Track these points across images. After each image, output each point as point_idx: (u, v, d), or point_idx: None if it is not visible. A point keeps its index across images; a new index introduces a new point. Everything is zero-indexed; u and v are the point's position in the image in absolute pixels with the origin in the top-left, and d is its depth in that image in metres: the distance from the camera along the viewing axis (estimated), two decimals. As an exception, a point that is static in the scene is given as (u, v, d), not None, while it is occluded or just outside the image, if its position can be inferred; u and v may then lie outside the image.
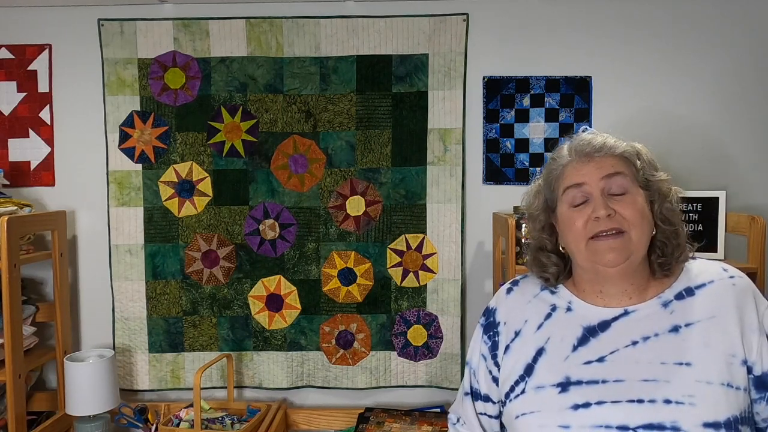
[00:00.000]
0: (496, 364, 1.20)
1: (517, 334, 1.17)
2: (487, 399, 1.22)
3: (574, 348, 1.09)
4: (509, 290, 1.26)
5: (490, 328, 1.23)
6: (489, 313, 1.26)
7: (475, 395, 1.24)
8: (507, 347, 1.18)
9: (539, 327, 1.15)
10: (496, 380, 1.20)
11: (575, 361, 1.08)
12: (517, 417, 1.10)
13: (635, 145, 1.14)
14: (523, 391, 1.11)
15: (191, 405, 1.96)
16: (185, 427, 1.86)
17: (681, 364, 1.02)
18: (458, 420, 1.28)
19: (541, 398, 1.08)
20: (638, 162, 1.11)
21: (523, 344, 1.16)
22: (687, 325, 1.05)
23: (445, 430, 1.85)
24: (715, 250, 1.80)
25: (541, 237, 1.20)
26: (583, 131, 1.17)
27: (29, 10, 2.07)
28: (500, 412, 1.21)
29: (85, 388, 1.85)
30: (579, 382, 1.06)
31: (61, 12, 2.07)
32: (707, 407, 0.97)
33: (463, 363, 1.99)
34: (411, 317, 2.08)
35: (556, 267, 1.18)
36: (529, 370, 1.12)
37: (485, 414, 1.24)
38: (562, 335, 1.12)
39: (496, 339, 1.21)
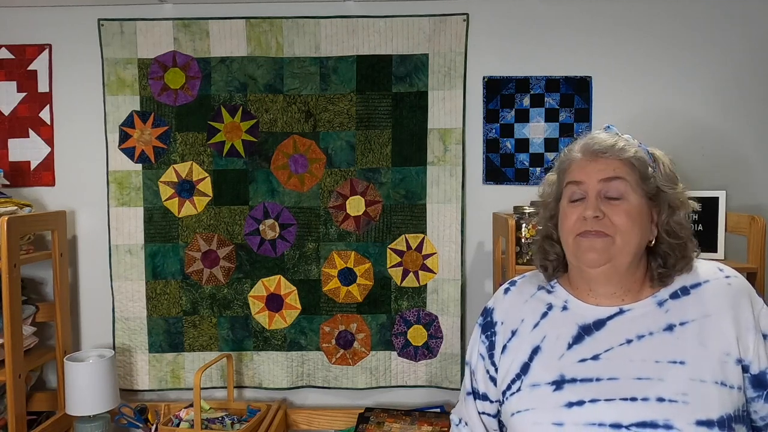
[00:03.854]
0: (493, 364, 1.21)
1: (513, 333, 1.18)
2: (485, 398, 1.23)
3: (569, 346, 1.10)
4: (507, 290, 1.27)
5: (488, 327, 1.24)
6: (487, 313, 1.26)
7: (475, 395, 1.25)
8: (504, 347, 1.19)
9: (535, 326, 1.16)
10: (493, 380, 1.21)
11: (570, 359, 1.09)
12: (513, 415, 1.11)
13: (656, 152, 1.12)
14: (518, 389, 1.12)
15: (191, 405, 1.96)
16: (185, 427, 1.86)
17: (675, 362, 1.02)
18: (460, 421, 1.29)
19: (535, 396, 1.09)
20: (649, 169, 1.09)
21: (519, 343, 1.16)
22: (682, 323, 1.05)
23: (445, 431, 1.85)
24: (715, 250, 1.80)
25: (547, 226, 1.21)
26: (605, 128, 1.16)
27: (29, 10, 2.07)
28: (498, 411, 1.22)
29: (85, 388, 1.85)
30: (573, 380, 1.06)
31: (61, 12, 2.07)
32: (700, 405, 0.98)
33: (463, 363, 1.99)
34: (411, 317, 2.08)
35: (556, 256, 1.18)
36: (525, 368, 1.13)
37: (485, 413, 1.24)
38: (557, 334, 1.12)
39: (494, 339, 1.22)
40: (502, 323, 1.21)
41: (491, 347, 1.22)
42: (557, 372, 1.08)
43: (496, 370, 1.20)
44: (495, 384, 1.21)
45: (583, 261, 1.08)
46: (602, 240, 1.06)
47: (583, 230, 1.07)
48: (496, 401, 1.22)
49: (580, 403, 1.03)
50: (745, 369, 1.02)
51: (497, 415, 1.24)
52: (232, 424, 1.90)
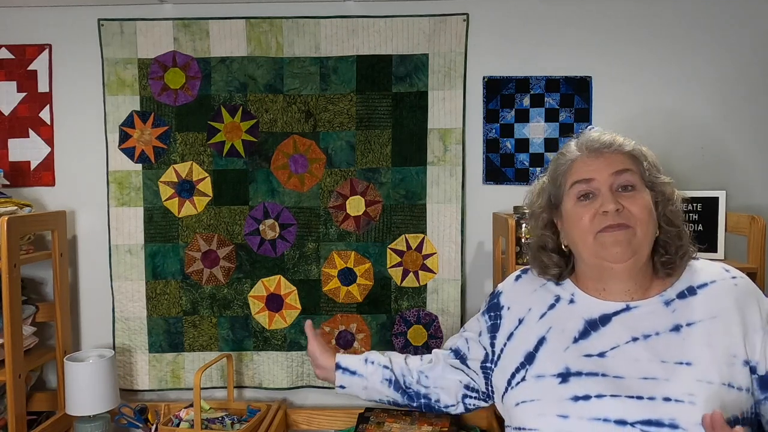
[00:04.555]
0: (492, 345, 1.22)
1: (520, 321, 1.19)
2: (464, 361, 1.30)
3: (575, 340, 1.10)
4: (518, 277, 1.29)
5: (492, 309, 1.26)
6: (494, 295, 1.29)
7: (461, 358, 1.31)
8: (511, 334, 1.19)
9: (542, 316, 1.17)
10: (485, 355, 1.25)
11: (575, 353, 1.09)
12: (517, 404, 1.12)
13: (641, 147, 1.15)
14: (523, 379, 1.12)
15: (191, 405, 1.96)
16: (185, 427, 1.86)
17: (681, 363, 1.02)
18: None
19: (541, 387, 1.09)
20: (645, 162, 1.12)
21: (525, 332, 1.17)
22: (688, 324, 1.05)
23: (445, 430, 1.85)
24: (715, 250, 1.80)
25: (543, 235, 1.21)
26: (590, 129, 1.18)
27: (29, 10, 2.07)
28: (467, 384, 1.29)
29: (85, 388, 1.85)
30: (579, 374, 1.06)
31: (61, 12, 2.07)
32: (707, 406, 0.97)
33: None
34: (411, 317, 2.08)
35: (557, 268, 1.19)
36: (530, 358, 1.13)
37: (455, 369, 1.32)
38: (563, 326, 1.13)
39: (498, 322, 1.23)
40: (508, 308, 1.23)
41: (493, 329, 1.23)
42: (563, 364, 1.08)
43: (493, 350, 1.22)
44: (480, 363, 1.26)
45: (609, 257, 1.07)
46: (624, 233, 1.06)
47: (604, 226, 1.07)
48: (471, 371, 1.29)
49: (587, 397, 1.04)
50: (753, 370, 1.02)
51: (467, 385, 1.31)
52: (232, 424, 1.90)
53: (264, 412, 1.97)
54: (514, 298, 1.24)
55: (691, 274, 1.12)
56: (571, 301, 1.16)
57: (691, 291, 1.09)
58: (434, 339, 2.08)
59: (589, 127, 1.21)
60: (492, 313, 1.25)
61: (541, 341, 1.13)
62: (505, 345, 1.19)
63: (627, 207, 1.07)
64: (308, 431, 2.08)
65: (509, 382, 1.15)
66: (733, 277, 1.10)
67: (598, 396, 1.03)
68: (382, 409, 2.04)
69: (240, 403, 2.06)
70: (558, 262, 1.19)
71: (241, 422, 1.92)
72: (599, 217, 1.08)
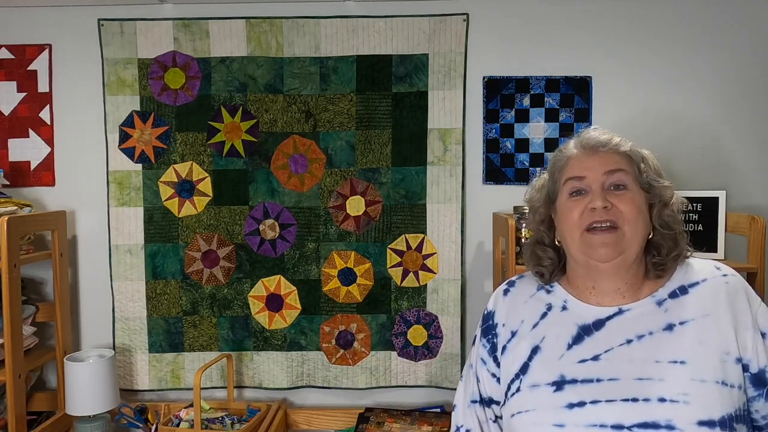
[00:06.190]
0: (498, 366, 1.20)
1: (513, 334, 1.18)
2: (491, 402, 1.21)
3: (569, 347, 1.10)
4: (506, 292, 1.26)
5: (488, 331, 1.23)
6: (487, 316, 1.26)
7: (482, 402, 1.23)
8: (504, 347, 1.18)
9: (535, 326, 1.16)
10: (499, 380, 1.21)
11: (570, 359, 1.08)
12: (513, 416, 1.11)
13: (642, 150, 1.15)
14: (518, 389, 1.12)
15: (191, 405, 1.96)
16: (185, 427, 1.86)
17: (675, 362, 1.02)
18: (458, 429, 1.24)
19: (535, 397, 1.09)
20: (642, 165, 1.12)
21: (519, 343, 1.16)
22: (681, 323, 1.06)
23: (445, 430, 1.85)
24: (715, 250, 1.80)
25: (539, 230, 1.21)
26: (593, 129, 1.19)
27: (29, 10, 2.07)
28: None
29: (85, 388, 1.85)
30: (574, 381, 1.06)
31: (61, 12, 2.07)
32: (702, 405, 0.98)
33: (463, 363, 1.99)
34: (411, 317, 2.08)
35: (551, 261, 1.19)
36: (524, 368, 1.13)
37: (500, 417, 1.21)
38: (557, 334, 1.12)
39: (495, 341, 1.21)
40: (503, 325, 1.21)
41: (493, 349, 1.21)
42: (557, 372, 1.08)
43: (501, 370, 1.20)
44: (500, 384, 1.20)
45: (594, 256, 1.08)
46: (612, 234, 1.07)
47: (591, 221, 1.08)
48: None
49: (581, 404, 1.03)
50: (745, 368, 1.02)
51: None
52: (232, 424, 1.90)
53: (264, 412, 1.97)
54: (507, 313, 1.22)
55: (683, 273, 1.12)
56: (564, 308, 1.15)
57: (683, 290, 1.09)
58: (434, 339, 2.08)
59: (592, 126, 1.21)
60: (489, 335, 1.23)
61: (535, 350, 1.13)
62: (501, 359, 1.19)
63: (616, 205, 1.07)
64: (308, 431, 2.08)
65: (506, 394, 1.15)
66: (724, 275, 1.10)
67: (593, 402, 1.02)
68: (382, 409, 2.04)
69: (240, 403, 2.06)
70: (552, 255, 1.19)
71: (241, 422, 1.92)
72: (588, 213, 1.09)
